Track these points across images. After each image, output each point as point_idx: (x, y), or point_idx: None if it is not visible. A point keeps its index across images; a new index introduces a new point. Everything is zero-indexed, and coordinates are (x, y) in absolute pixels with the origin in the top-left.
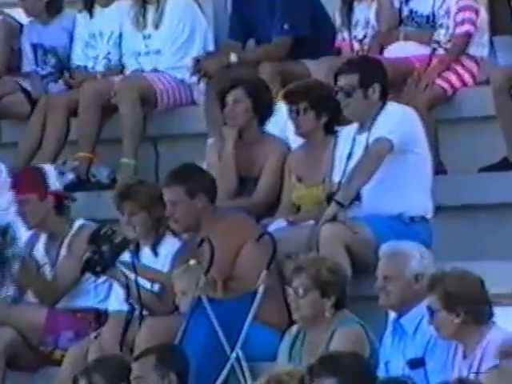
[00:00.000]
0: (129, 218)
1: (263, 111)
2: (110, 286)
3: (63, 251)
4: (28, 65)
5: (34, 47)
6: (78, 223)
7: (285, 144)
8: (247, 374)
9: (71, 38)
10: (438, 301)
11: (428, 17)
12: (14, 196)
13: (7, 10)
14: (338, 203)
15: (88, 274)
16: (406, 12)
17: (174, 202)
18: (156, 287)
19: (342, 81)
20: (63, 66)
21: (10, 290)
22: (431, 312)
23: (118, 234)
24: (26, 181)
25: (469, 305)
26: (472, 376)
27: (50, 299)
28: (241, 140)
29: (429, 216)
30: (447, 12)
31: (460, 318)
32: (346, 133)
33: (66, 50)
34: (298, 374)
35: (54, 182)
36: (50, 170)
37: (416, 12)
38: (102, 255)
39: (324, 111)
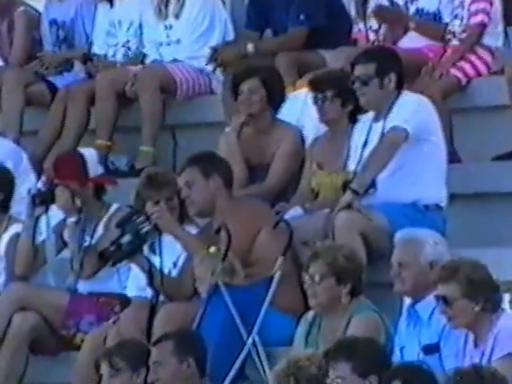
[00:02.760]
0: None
1: (276, 100)
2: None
3: (99, 231)
4: (47, 47)
5: (51, 24)
6: (114, 206)
7: (298, 131)
8: (263, 358)
9: (83, 15)
10: (458, 289)
11: (435, 14)
12: (55, 181)
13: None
14: (354, 191)
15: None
16: (412, 10)
17: (189, 183)
18: (174, 272)
19: (359, 70)
20: (71, 44)
21: (71, 279)
22: (446, 301)
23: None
24: (67, 167)
25: (489, 292)
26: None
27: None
28: (254, 128)
29: (443, 204)
30: (462, 2)
31: (479, 305)
32: (362, 121)
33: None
34: (317, 359)
35: (96, 168)
36: (91, 155)
37: (422, 10)
38: (120, 247)
39: (350, 100)
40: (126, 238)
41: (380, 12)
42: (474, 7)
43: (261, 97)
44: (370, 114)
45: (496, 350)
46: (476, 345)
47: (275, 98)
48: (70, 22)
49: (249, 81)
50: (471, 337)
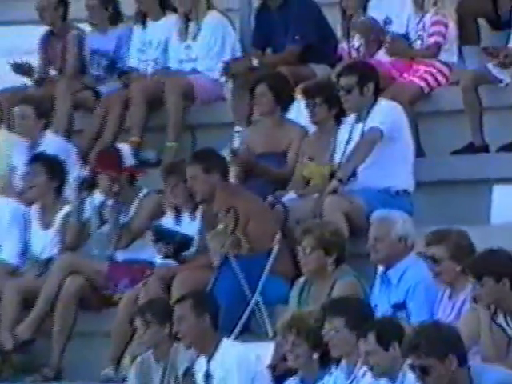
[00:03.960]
0: (172, 188)
1: (283, 101)
2: None
3: (132, 211)
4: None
5: (93, 52)
6: (144, 191)
7: (304, 129)
8: (265, 314)
9: (122, 46)
10: (447, 251)
11: (404, 35)
12: (97, 170)
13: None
14: (339, 180)
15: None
16: (386, 31)
17: (193, 177)
18: (193, 249)
19: (343, 81)
20: (113, 69)
21: (110, 250)
22: (434, 260)
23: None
24: (107, 159)
25: (468, 256)
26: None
27: None
28: (267, 123)
29: (410, 190)
30: (423, 26)
31: (460, 267)
32: (346, 122)
33: (116, 55)
34: (315, 314)
35: (129, 160)
36: (126, 149)
37: (393, 32)
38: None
39: (335, 105)
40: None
41: (364, 25)
42: (431, 30)
43: (268, 99)
44: (352, 117)
45: (465, 305)
46: (450, 298)
47: (282, 99)
48: (113, 52)
49: (258, 86)
50: (447, 292)
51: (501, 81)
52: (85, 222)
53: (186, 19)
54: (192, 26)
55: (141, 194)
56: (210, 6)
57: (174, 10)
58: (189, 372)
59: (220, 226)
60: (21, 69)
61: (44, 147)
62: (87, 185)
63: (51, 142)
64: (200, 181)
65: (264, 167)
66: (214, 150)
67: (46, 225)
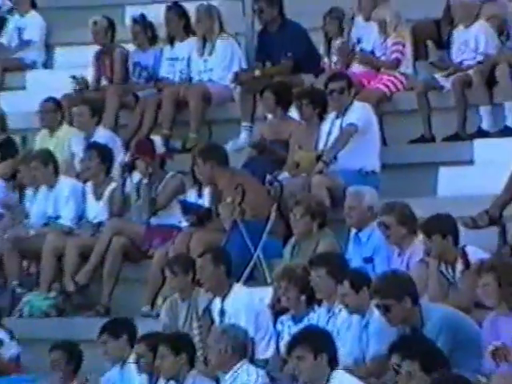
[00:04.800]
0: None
1: (283, 103)
2: None
3: (160, 188)
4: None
5: (135, 65)
6: (170, 173)
7: (301, 123)
8: (265, 266)
9: (157, 60)
10: (395, 219)
11: (371, 51)
12: (136, 156)
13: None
14: (324, 162)
15: (174, 204)
16: (358, 49)
17: (198, 165)
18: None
19: (335, 85)
20: (151, 78)
21: (144, 216)
22: (386, 226)
23: None
24: (143, 148)
25: (413, 222)
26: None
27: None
28: (273, 120)
29: (377, 170)
30: (386, 45)
31: (405, 230)
32: (327, 118)
33: (153, 68)
34: (303, 265)
35: (160, 148)
36: (157, 140)
37: (364, 49)
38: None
39: (318, 105)
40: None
41: (341, 48)
42: (393, 48)
43: (270, 102)
44: (333, 114)
45: (412, 258)
46: (399, 256)
47: (282, 102)
48: (152, 66)
49: (265, 92)
50: (397, 250)
51: (443, 87)
52: (126, 195)
53: (204, 40)
54: (208, 45)
55: (168, 175)
56: (221, 30)
57: (194, 34)
58: (207, 309)
59: (228, 199)
60: (78, 82)
61: (97, 138)
62: (128, 167)
63: (102, 134)
64: (201, 168)
65: (272, 149)
66: (214, 143)
67: (98, 197)
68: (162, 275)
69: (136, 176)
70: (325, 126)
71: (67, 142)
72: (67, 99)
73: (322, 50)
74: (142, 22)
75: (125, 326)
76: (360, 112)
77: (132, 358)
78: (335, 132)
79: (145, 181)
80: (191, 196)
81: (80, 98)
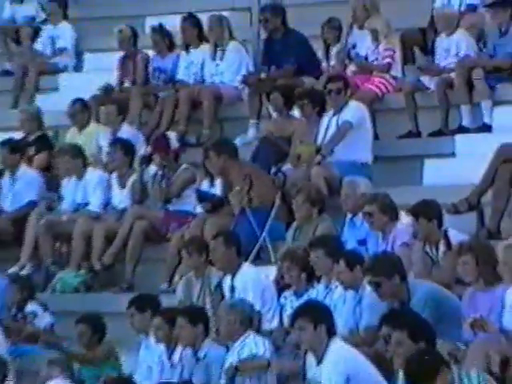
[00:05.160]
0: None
1: (289, 104)
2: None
3: (173, 179)
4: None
5: (154, 69)
6: (183, 166)
7: (303, 121)
8: (270, 247)
9: (174, 65)
10: (377, 207)
11: (365, 57)
12: (152, 151)
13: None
14: (322, 155)
15: (188, 193)
16: (353, 54)
17: (211, 158)
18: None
19: (335, 85)
20: (169, 80)
21: (160, 203)
22: (370, 215)
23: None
24: (160, 143)
25: (393, 210)
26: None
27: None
28: (279, 118)
29: (370, 162)
30: (378, 51)
31: (387, 217)
32: (326, 116)
33: (171, 72)
34: (304, 247)
35: (175, 143)
36: (173, 136)
37: (358, 54)
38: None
39: (317, 104)
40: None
41: (338, 54)
42: (384, 54)
43: (278, 102)
44: (330, 112)
45: (396, 241)
46: (383, 239)
47: (288, 102)
48: (170, 70)
49: (273, 94)
50: (381, 235)
51: (428, 88)
52: (145, 184)
53: (215, 46)
54: (219, 53)
55: (181, 168)
56: (231, 38)
57: (207, 41)
58: (218, 286)
59: (237, 188)
60: (104, 88)
61: (121, 134)
62: (146, 160)
63: (126, 130)
64: (214, 162)
65: (276, 143)
66: (226, 138)
67: (122, 186)
68: (178, 256)
69: (153, 168)
70: (323, 123)
71: (95, 137)
72: (95, 100)
73: (321, 55)
74: (160, 30)
75: (150, 301)
76: (355, 110)
77: (151, 330)
78: (332, 128)
79: (160, 172)
80: (204, 186)
81: (107, 99)
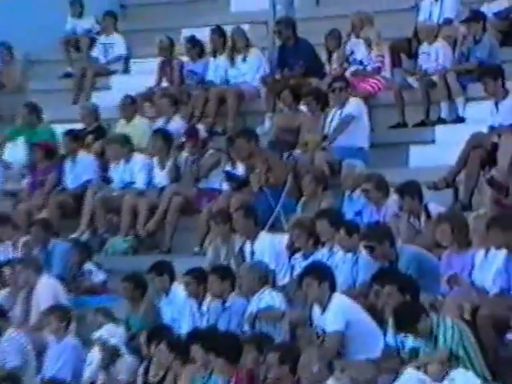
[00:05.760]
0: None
1: (297, 100)
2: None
3: (202, 162)
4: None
5: (188, 72)
6: (210, 151)
7: (309, 115)
8: (283, 218)
9: (205, 69)
10: (372, 185)
11: (361, 61)
12: (184, 140)
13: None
14: (328, 142)
15: (214, 174)
16: (351, 59)
17: (239, 144)
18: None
19: (337, 84)
20: (200, 81)
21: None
22: (367, 191)
23: None
24: (190, 134)
25: (386, 188)
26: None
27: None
28: (288, 112)
29: (366, 148)
30: (371, 56)
31: (382, 193)
32: (330, 110)
33: (202, 74)
34: (310, 217)
35: (203, 133)
36: (201, 128)
37: (355, 59)
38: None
39: (321, 101)
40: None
41: (339, 58)
42: (376, 59)
43: (289, 99)
44: (334, 107)
45: (386, 213)
46: (377, 211)
47: (296, 99)
48: (200, 73)
49: (284, 91)
50: (375, 208)
51: (413, 87)
52: (179, 167)
53: (235, 52)
54: (241, 56)
55: (208, 153)
56: (249, 45)
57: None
58: (240, 250)
59: (257, 170)
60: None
61: (173, 124)
62: (180, 147)
63: (177, 121)
64: (243, 146)
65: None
66: (249, 128)
67: (162, 168)
68: (207, 225)
69: (184, 154)
70: (329, 116)
71: (141, 128)
72: (140, 97)
73: (324, 60)
74: (192, 40)
75: (167, 266)
76: (355, 105)
77: (182, 285)
78: (336, 120)
79: (190, 158)
80: (227, 168)
81: (161, 93)
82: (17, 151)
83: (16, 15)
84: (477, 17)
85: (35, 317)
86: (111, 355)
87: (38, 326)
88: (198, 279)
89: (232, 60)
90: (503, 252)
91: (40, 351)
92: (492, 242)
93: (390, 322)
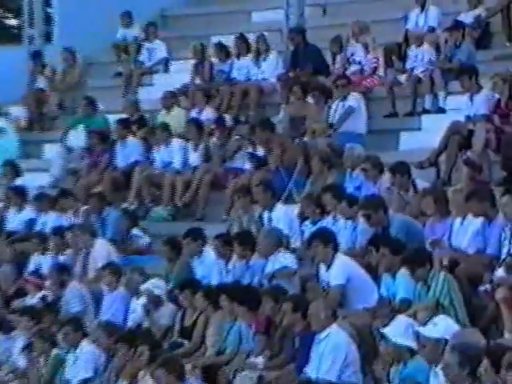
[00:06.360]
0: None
1: (305, 93)
2: None
3: (228, 146)
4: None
5: (218, 72)
6: (235, 137)
7: (315, 106)
8: (295, 191)
9: (231, 68)
10: (370, 164)
11: (359, 62)
12: (213, 128)
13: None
14: (334, 129)
15: (239, 156)
16: (351, 60)
17: (259, 132)
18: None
19: (341, 81)
20: (227, 79)
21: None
22: (365, 170)
23: None
24: (218, 123)
25: (380, 166)
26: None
27: None
28: (298, 103)
29: (364, 133)
30: (369, 59)
31: (377, 171)
32: (334, 102)
33: (228, 72)
34: (317, 192)
35: (229, 122)
36: (228, 117)
37: (354, 60)
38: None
39: (325, 95)
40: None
41: (342, 60)
42: (372, 60)
43: (298, 92)
44: (337, 100)
45: (381, 188)
46: (374, 185)
47: (305, 93)
48: (227, 72)
49: (295, 87)
50: (371, 183)
51: (402, 84)
52: (209, 150)
53: (258, 54)
54: (261, 58)
55: (233, 139)
56: (268, 49)
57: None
58: (260, 218)
59: (273, 153)
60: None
61: (204, 114)
62: (209, 134)
63: (208, 112)
64: (267, 134)
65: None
66: (268, 119)
67: (195, 150)
68: (232, 198)
69: (214, 139)
70: (333, 107)
71: (180, 116)
72: (178, 91)
73: (329, 61)
74: (220, 45)
75: (199, 232)
76: (355, 98)
77: (212, 248)
78: (339, 111)
79: (218, 142)
80: (249, 150)
81: (195, 88)
82: (77, 137)
83: (77, 25)
84: (458, 26)
85: (92, 272)
86: (155, 303)
87: (95, 280)
88: (225, 243)
89: (257, 60)
90: (480, 219)
91: (97, 300)
92: (471, 211)
93: (384, 278)
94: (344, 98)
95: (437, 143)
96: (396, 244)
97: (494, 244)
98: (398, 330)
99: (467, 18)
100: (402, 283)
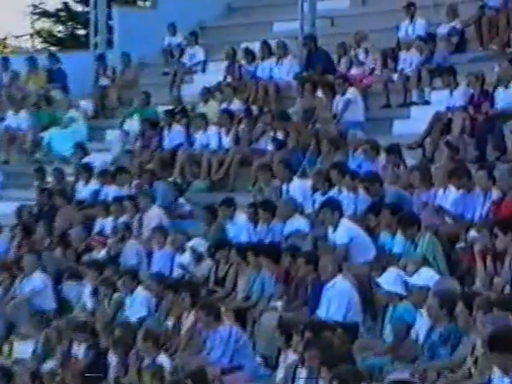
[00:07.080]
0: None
1: (315, 89)
2: None
3: (254, 131)
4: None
5: (245, 71)
6: (260, 124)
7: (323, 99)
8: (308, 169)
9: (256, 69)
10: (369, 146)
11: (361, 62)
12: (241, 117)
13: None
14: (337, 119)
15: (263, 139)
16: (354, 62)
17: (281, 121)
18: None
19: (339, 80)
20: (252, 77)
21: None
22: (365, 151)
23: None
24: (246, 112)
25: (378, 148)
26: None
27: None
28: (309, 96)
29: (362, 121)
30: (368, 61)
31: (375, 151)
32: (337, 96)
33: (254, 72)
34: (326, 169)
35: (254, 112)
36: (253, 108)
37: (358, 60)
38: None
39: (331, 89)
40: None
41: (346, 63)
42: (371, 62)
43: (309, 87)
44: (339, 94)
45: (378, 165)
46: (373, 164)
47: (314, 88)
48: (252, 72)
49: (307, 84)
50: (370, 162)
51: (394, 81)
52: (238, 135)
53: (278, 58)
54: (280, 60)
55: (258, 126)
56: (287, 53)
57: (274, 55)
58: (279, 189)
59: (293, 136)
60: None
61: (234, 106)
62: (239, 121)
63: (236, 103)
64: (287, 123)
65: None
66: (285, 111)
67: (227, 135)
68: (256, 173)
69: (242, 126)
70: (335, 101)
71: (215, 108)
72: (213, 87)
73: (336, 62)
74: (247, 50)
75: (231, 201)
76: (351, 93)
77: (242, 213)
78: (341, 103)
79: (246, 128)
80: (271, 134)
81: (227, 85)
82: (133, 124)
83: (133, 34)
84: (430, 37)
85: (146, 232)
86: (198, 258)
87: (148, 239)
88: (254, 209)
89: (277, 63)
90: (460, 191)
91: (149, 255)
92: (453, 185)
93: (382, 236)
94: (343, 93)
95: (423, 129)
96: (393, 207)
97: (470, 210)
98: (389, 280)
99: (445, 28)
100: (397, 241)
